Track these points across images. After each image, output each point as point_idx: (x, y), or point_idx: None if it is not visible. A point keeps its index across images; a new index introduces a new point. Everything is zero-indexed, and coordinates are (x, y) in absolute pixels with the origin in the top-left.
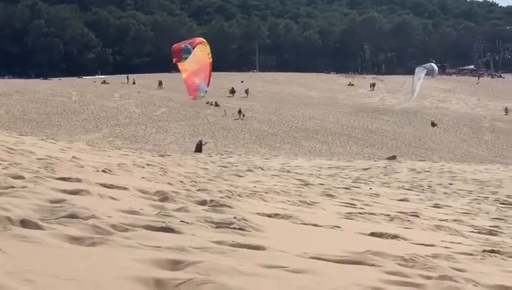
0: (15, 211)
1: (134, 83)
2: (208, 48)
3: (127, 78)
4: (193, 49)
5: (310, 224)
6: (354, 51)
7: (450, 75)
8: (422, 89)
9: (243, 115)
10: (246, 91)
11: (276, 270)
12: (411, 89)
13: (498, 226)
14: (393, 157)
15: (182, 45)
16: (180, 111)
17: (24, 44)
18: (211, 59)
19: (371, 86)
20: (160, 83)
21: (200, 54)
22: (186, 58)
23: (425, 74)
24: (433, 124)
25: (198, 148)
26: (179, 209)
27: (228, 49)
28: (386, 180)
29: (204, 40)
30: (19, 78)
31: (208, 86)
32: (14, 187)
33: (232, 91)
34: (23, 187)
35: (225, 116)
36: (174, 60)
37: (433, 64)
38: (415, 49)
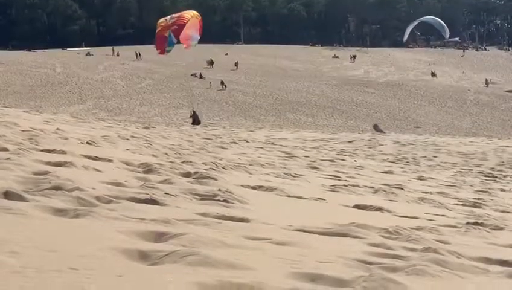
0: None
1: (118, 55)
2: (195, 15)
3: (113, 49)
4: (177, 40)
5: (294, 196)
6: (338, 23)
7: (435, 47)
8: (406, 61)
9: (225, 86)
10: (236, 64)
11: (260, 242)
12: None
13: (482, 199)
14: (376, 127)
15: (166, 32)
16: (164, 83)
17: (8, 16)
18: (200, 18)
19: (351, 58)
20: (137, 54)
21: (190, 21)
22: (169, 51)
23: (444, 35)
24: (433, 74)
25: (197, 119)
26: (163, 182)
27: (212, 21)
28: (370, 152)
29: (191, 16)
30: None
31: (199, 35)
32: None
33: (211, 62)
34: (7, 159)
35: (210, 88)
36: (157, 50)
37: (439, 20)
38: (400, 22)
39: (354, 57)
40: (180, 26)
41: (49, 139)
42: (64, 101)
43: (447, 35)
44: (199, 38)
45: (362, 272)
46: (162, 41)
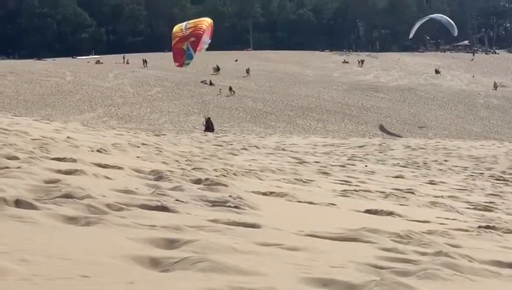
0: (10, 192)
1: (128, 63)
2: (209, 23)
3: (124, 58)
4: (195, 53)
5: (305, 202)
6: (348, 28)
7: (444, 51)
8: (416, 65)
9: (233, 92)
10: (247, 71)
11: (271, 248)
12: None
13: (493, 202)
14: (382, 127)
15: (183, 44)
16: (174, 90)
17: (17, 24)
18: (211, 23)
19: (359, 62)
20: (144, 61)
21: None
22: (188, 64)
23: (452, 33)
24: (437, 72)
25: (211, 126)
26: (174, 188)
27: (222, 27)
28: (381, 157)
29: (205, 28)
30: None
31: (210, 38)
32: (8, 168)
33: (217, 69)
34: (18, 168)
35: (220, 95)
36: (175, 64)
37: (447, 18)
38: (409, 26)
39: (362, 61)
40: (197, 37)
41: (60, 147)
42: (74, 110)
43: (455, 32)
44: (209, 41)
45: (374, 277)
46: (181, 55)
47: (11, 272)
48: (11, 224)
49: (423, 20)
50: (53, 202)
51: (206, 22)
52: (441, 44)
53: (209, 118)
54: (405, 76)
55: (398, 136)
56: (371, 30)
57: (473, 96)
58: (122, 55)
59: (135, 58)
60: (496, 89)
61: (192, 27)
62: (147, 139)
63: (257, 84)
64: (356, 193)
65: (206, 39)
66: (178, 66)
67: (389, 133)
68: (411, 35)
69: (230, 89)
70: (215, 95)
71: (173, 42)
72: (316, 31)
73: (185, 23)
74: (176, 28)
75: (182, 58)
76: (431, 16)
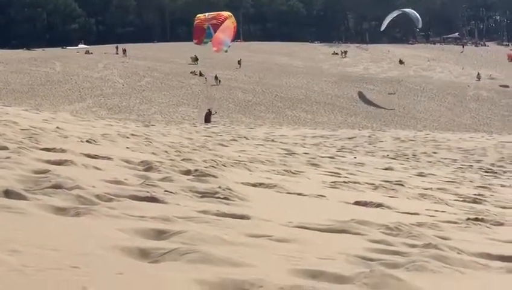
0: None
1: (117, 53)
2: (232, 18)
3: (117, 48)
4: (215, 32)
5: (294, 193)
6: (337, 20)
7: (434, 43)
8: (405, 57)
9: (219, 81)
10: (239, 62)
11: (261, 239)
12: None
13: (482, 195)
14: (361, 94)
15: (205, 24)
16: (164, 81)
17: (7, 14)
18: (235, 23)
19: (342, 53)
20: (124, 51)
21: (226, 22)
22: (206, 43)
23: (417, 25)
24: (401, 62)
25: (208, 117)
26: (163, 179)
27: None
28: (370, 149)
29: (228, 16)
30: None
31: (231, 42)
32: None
33: (195, 59)
34: (7, 158)
35: (206, 83)
36: (194, 40)
37: (414, 12)
38: (398, 18)
39: (345, 52)
40: (219, 21)
41: (49, 137)
42: (63, 100)
43: (420, 25)
44: (230, 45)
45: (363, 269)
46: (201, 33)
47: (1, 262)
48: (1, 214)
49: (394, 15)
50: (42, 192)
51: (226, 13)
52: (430, 36)
53: (209, 111)
54: (394, 68)
55: (376, 106)
56: (360, 22)
57: (463, 88)
58: (115, 45)
59: (127, 48)
60: (479, 80)
61: (213, 14)
62: (136, 130)
63: (247, 76)
64: (345, 184)
65: (226, 41)
66: (197, 43)
67: (368, 101)
68: (382, 28)
69: (216, 78)
70: (205, 85)
71: (195, 22)
72: (306, 23)
73: (206, 13)
74: (198, 15)
75: (202, 36)
76: (402, 10)
